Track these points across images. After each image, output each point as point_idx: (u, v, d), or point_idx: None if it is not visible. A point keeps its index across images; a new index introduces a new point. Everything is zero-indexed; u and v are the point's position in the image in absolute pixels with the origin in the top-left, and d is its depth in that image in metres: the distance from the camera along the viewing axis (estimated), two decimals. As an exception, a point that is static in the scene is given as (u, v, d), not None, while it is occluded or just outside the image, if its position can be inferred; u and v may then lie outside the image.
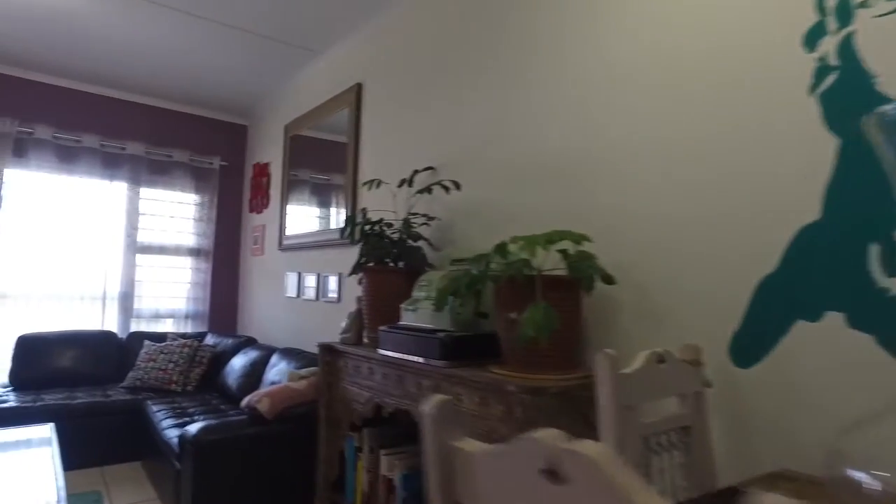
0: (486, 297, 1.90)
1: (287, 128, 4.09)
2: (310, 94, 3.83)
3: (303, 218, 3.93)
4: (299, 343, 3.50)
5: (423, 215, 2.48)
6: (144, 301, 4.47)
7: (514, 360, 1.65)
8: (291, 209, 4.00)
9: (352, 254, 3.17)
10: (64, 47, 3.69)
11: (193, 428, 2.40)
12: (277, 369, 3.15)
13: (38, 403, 3.26)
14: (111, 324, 4.29)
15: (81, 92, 4.30)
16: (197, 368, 3.83)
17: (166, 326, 4.53)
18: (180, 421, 2.96)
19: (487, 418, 1.65)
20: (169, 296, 4.58)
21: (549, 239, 1.50)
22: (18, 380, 3.66)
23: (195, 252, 4.68)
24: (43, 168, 4.09)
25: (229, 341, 4.05)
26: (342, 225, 3.27)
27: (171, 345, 3.89)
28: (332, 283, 3.34)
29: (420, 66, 2.73)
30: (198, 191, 4.72)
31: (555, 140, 1.98)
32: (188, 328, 4.56)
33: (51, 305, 4.13)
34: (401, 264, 2.37)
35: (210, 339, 4.15)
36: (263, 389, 2.50)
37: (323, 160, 3.76)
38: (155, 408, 3.27)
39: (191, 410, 3.19)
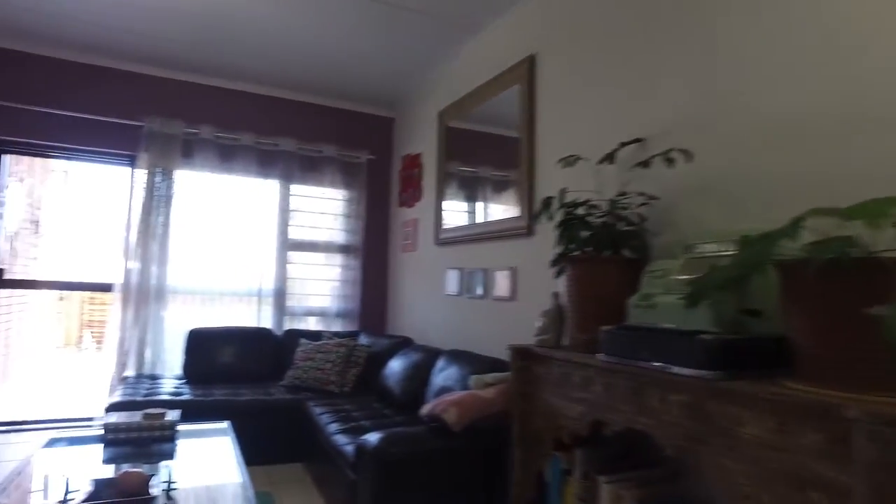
0: (755, 291, 1.45)
1: (441, 114, 3.85)
2: (467, 74, 3.54)
3: (454, 211, 3.67)
4: (464, 345, 3.21)
5: (641, 194, 2.06)
6: (296, 298, 4.44)
7: (841, 373, 1.18)
8: (447, 202, 3.74)
9: (530, 245, 2.82)
10: (222, 48, 3.72)
11: (374, 438, 2.17)
12: (446, 374, 2.88)
13: (210, 398, 3.25)
14: (266, 321, 4.29)
15: (238, 91, 4.36)
16: (353, 369, 3.68)
17: (315, 324, 4.47)
18: (347, 426, 2.77)
19: (790, 451, 1.21)
20: (319, 293, 4.53)
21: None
22: (191, 373, 3.72)
23: (345, 249, 4.60)
24: (206, 167, 4.17)
25: (385, 342, 3.88)
26: (512, 214, 2.94)
27: (328, 343, 3.78)
28: (503, 278, 3.02)
29: (608, 24, 2.33)
30: (346, 186, 4.63)
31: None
32: (337, 327, 4.47)
33: (213, 301, 4.21)
34: (609, 252, 1.97)
35: (364, 339, 4.01)
36: (448, 397, 2.22)
37: (474, 151, 3.47)
38: (317, 409, 3.13)
39: (355, 415, 3.00)
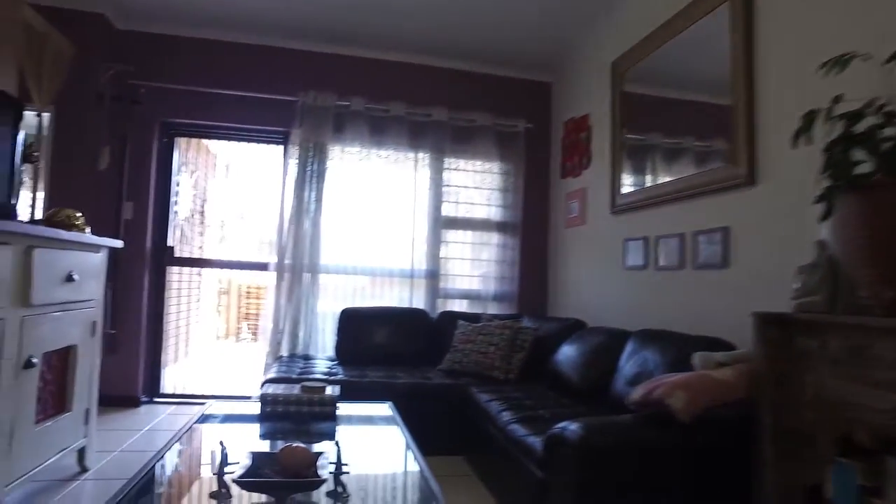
0: None
1: (616, 64, 3.30)
2: (644, 14, 2.96)
3: (633, 174, 3.11)
4: (657, 324, 2.64)
5: None
6: (450, 280, 4.12)
7: None
8: (626, 162, 3.19)
9: (751, 198, 2.21)
10: (373, 17, 3.51)
11: (573, 426, 1.70)
12: (642, 358, 2.35)
13: (365, 380, 3.00)
14: (418, 303, 4.02)
15: (389, 62, 4.14)
16: (518, 354, 3.25)
17: (469, 308, 4.11)
18: (522, 415, 2.34)
19: None
20: (474, 274, 4.17)
21: None
22: (343, 354, 3.53)
23: (501, 226, 4.20)
24: (356, 141, 4.00)
25: (552, 325, 3.41)
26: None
27: (489, 326, 3.39)
28: (709, 243, 2.41)
29: None
30: (502, 158, 4.23)
31: None
32: (493, 310, 4.07)
33: (366, 281, 4.02)
34: None
35: (527, 322, 3.56)
36: (670, 378, 1.69)
37: (660, 97, 2.90)
38: (484, 396, 2.74)
39: (528, 403, 2.56)
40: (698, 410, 1.62)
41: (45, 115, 3.42)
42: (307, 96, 3.89)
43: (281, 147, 4.06)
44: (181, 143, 4.26)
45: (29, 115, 3.13)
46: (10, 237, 1.84)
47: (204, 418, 2.00)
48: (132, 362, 3.70)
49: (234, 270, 5.34)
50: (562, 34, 3.73)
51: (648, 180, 3.00)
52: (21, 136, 2.28)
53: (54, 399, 2.24)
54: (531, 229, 4.25)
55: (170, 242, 4.02)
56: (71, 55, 3.38)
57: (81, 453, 2.48)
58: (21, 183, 2.40)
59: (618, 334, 2.70)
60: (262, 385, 2.83)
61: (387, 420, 2.13)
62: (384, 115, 4.02)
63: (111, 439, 2.99)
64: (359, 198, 4.01)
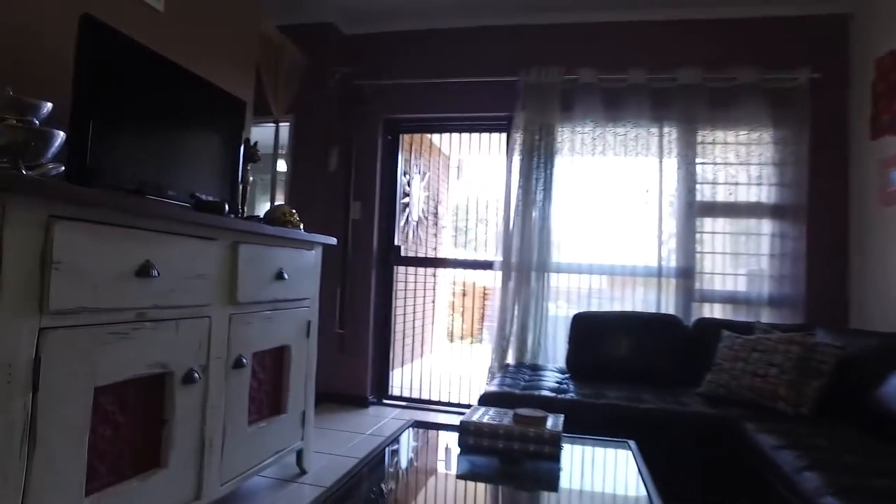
0: None
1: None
2: None
3: None
4: None
5: None
6: (709, 280, 3.30)
7: None
8: None
9: None
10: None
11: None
12: None
13: (601, 401, 2.42)
14: (668, 306, 3.28)
15: (622, 23, 3.50)
16: (814, 380, 2.34)
17: (732, 314, 3.22)
18: (839, 482, 1.53)
19: None
20: (740, 272, 3.28)
21: None
22: (576, 366, 3.00)
23: (778, 211, 3.22)
24: (588, 119, 3.44)
25: (866, 342, 2.41)
26: None
27: (767, 340, 2.53)
28: None
29: None
30: (776, 123, 3.25)
31: None
32: (768, 317, 3.11)
33: (603, 281, 3.44)
34: None
35: (823, 337, 2.59)
36: None
37: None
38: (766, 440, 1.96)
39: (849, 461, 1.72)
40: None
41: (283, 124, 3.61)
42: (529, 74, 3.47)
43: (505, 134, 3.71)
44: (406, 140, 4.22)
45: (259, 125, 3.29)
46: (215, 232, 1.76)
47: (408, 430, 1.69)
48: (360, 362, 3.72)
49: (465, 270, 5.17)
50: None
51: None
52: (242, 138, 2.29)
53: (268, 401, 2.17)
54: (821, 212, 3.18)
55: (397, 242, 3.97)
56: (305, 65, 3.51)
57: (300, 455, 2.41)
58: (248, 182, 2.43)
59: None
60: (479, 402, 2.48)
61: (626, 465, 1.55)
62: (620, 85, 3.39)
63: (336, 441, 2.94)
64: (593, 184, 3.45)
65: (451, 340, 6.87)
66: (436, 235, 6.19)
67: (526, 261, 3.44)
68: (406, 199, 5.09)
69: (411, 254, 5.14)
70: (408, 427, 1.71)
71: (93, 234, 1.33)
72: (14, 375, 1.17)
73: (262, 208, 3.20)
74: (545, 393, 2.52)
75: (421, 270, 5.07)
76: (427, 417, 3.49)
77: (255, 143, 2.44)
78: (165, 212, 1.51)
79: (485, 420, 1.58)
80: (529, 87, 3.47)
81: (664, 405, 2.40)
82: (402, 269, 4.22)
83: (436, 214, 6.15)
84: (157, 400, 1.60)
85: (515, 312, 3.44)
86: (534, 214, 3.45)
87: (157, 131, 1.88)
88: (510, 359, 3.39)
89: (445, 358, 5.47)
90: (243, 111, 2.29)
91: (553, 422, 1.59)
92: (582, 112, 3.43)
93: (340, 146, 3.71)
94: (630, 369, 2.86)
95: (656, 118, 3.37)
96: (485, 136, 3.99)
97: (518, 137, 3.50)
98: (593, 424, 2.31)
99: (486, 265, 3.69)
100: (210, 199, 1.90)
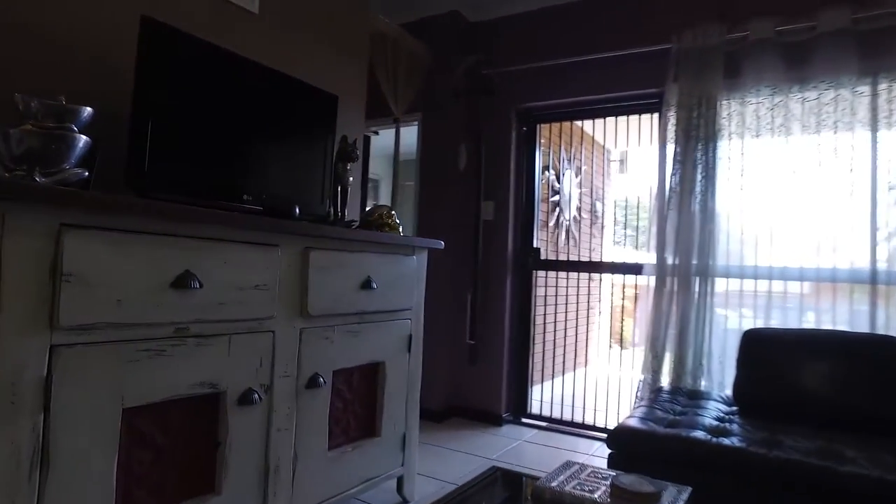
0: None
1: None
2: None
3: None
4: None
5: None
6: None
7: None
8: None
9: None
10: None
11: None
12: None
13: (775, 454, 1.80)
14: (887, 324, 2.44)
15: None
16: None
17: None
18: None
19: None
20: None
21: None
22: (746, 398, 2.36)
23: None
24: (762, 84, 2.73)
25: None
26: None
27: None
28: None
29: None
30: None
31: None
32: None
33: (789, 288, 2.70)
34: None
35: None
36: None
37: None
38: None
39: None
40: None
41: (411, 126, 3.46)
42: (683, 38, 2.87)
43: (655, 115, 3.14)
44: (550, 132, 3.82)
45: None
46: (275, 237, 1.60)
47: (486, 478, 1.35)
48: (494, 376, 3.40)
49: (614, 275, 4.57)
50: None
51: None
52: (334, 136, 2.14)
53: (358, 423, 1.97)
54: None
55: (536, 243, 3.59)
56: (428, 59, 3.32)
57: (400, 482, 2.18)
58: (347, 182, 2.27)
59: None
60: (609, 439, 2.02)
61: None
62: (808, 35, 2.63)
63: (453, 463, 2.67)
64: (770, 167, 2.73)
65: (617, 348, 6.22)
66: (595, 236, 5.64)
67: (684, 263, 2.84)
68: (556, 198, 4.67)
69: (562, 257, 4.70)
70: (485, 477, 1.36)
71: (115, 244, 1.23)
72: (19, 396, 1.09)
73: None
74: (697, 434, 1.96)
75: (573, 274, 4.60)
76: (566, 444, 3.06)
77: (355, 141, 2.27)
78: (203, 217, 1.38)
79: (569, 488, 1.17)
80: (684, 53, 2.86)
81: (881, 472, 1.69)
82: (551, 273, 3.82)
83: (595, 213, 5.59)
84: (210, 422, 1.47)
85: (672, 324, 2.85)
86: (693, 207, 2.83)
87: (231, 133, 1.79)
88: (664, 380, 2.82)
89: (605, 371, 4.90)
90: (334, 107, 2.14)
91: (670, 499, 1.12)
92: (754, 76, 2.72)
93: (470, 143, 3.45)
94: (823, 409, 2.15)
95: (865, 70, 2.54)
96: (633, 119, 3.42)
97: (671, 116, 2.91)
98: (762, 488, 1.73)
99: (635, 269, 3.14)
100: (278, 202, 1.76)
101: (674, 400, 2.44)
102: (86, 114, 1.34)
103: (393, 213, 2.22)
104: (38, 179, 1.17)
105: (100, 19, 1.72)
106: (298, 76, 2.03)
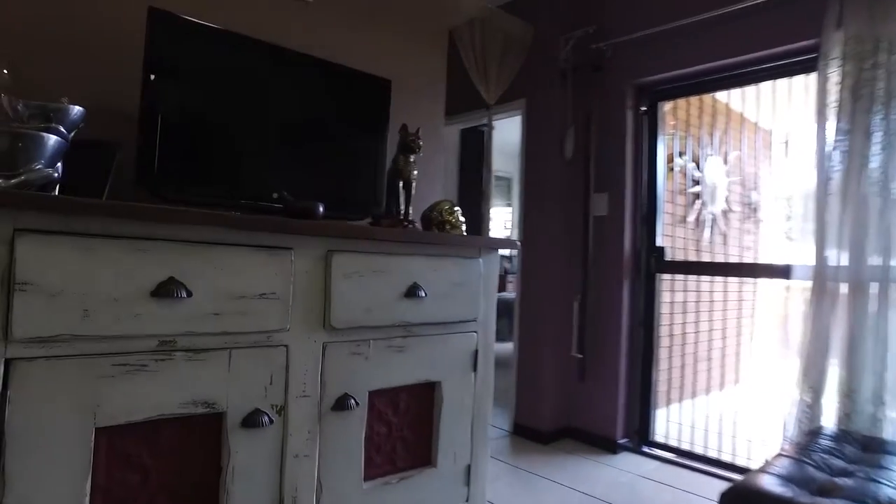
0: None
1: None
2: None
3: None
4: None
5: None
6: None
7: None
8: None
9: None
10: None
11: None
12: None
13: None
14: None
15: None
16: None
17: None
18: None
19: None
20: None
21: None
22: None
23: None
24: None
25: None
26: None
27: None
28: None
29: None
30: None
31: None
32: None
33: None
34: None
35: None
36: None
37: None
38: None
39: None
40: None
41: (511, 117, 3.14)
42: (850, -31, 2.20)
43: (810, 76, 2.47)
44: (679, 109, 3.25)
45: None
46: (284, 239, 1.41)
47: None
48: (608, 395, 2.95)
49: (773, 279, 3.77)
50: None
51: None
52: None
53: (406, 451, 1.73)
54: None
55: (660, 242, 3.05)
56: (527, 38, 2.98)
57: (464, 522, 1.89)
58: (410, 176, 2.04)
59: None
60: (721, 498, 1.54)
61: None
62: None
63: (550, 499, 2.30)
64: None
65: (773, 368, 5.23)
66: (751, 233, 4.78)
67: (856, 264, 2.17)
68: (696, 189, 4.02)
69: (705, 257, 4.02)
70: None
71: (80, 249, 1.11)
72: (-30, 413, 1.02)
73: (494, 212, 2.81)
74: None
75: (720, 278, 3.92)
76: (693, 485, 2.52)
77: (417, 130, 2.03)
78: (185, 217, 1.22)
79: None
80: (852, -11, 2.19)
81: None
82: (690, 277, 3.26)
83: (750, 205, 4.75)
84: (211, 446, 1.33)
85: (837, 345, 2.20)
86: (866, 190, 2.15)
87: (256, 126, 1.65)
88: (823, 417, 2.18)
89: (755, 395, 4.11)
90: (385, 93, 1.92)
91: None
92: None
93: (578, 128, 3.04)
94: None
95: None
96: (781, 84, 2.75)
97: (833, 73, 2.25)
98: None
99: (782, 272, 2.49)
100: (298, 199, 1.57)
101: (837, 450, 1.84)
102: (74, 113, 1.26)
103: (456, 209, 1.95)
104: (-2, 181, 1.09)
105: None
106: (357, 63, 1.85)
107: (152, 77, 1.43)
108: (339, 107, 1.84)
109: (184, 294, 1.22)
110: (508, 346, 3.28)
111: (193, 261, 1.25)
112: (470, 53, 2.74)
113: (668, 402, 3.20)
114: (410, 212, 2.08)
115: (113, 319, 1.15)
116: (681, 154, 3.59)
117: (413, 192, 2.07)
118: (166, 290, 1.20)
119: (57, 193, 1.28)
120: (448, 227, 1.90)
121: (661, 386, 3.12)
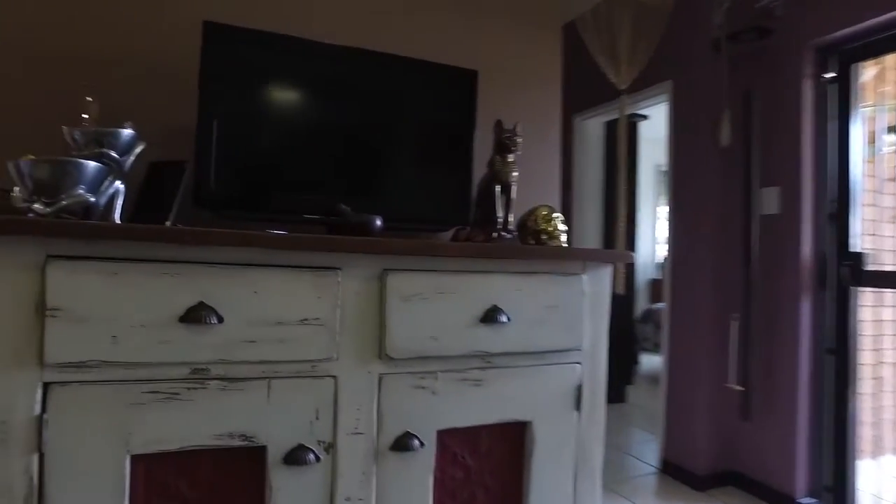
0: None
1: None
2: None
3: None
4: None
5: None
6: None
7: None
8: None
9: None
10: None
11: None
12: None
13: None
14: None
15: None
16: None
17: None
18: None
19: None
20: None
21: None
22: None
23: None
24: None
25: None
26: None
27: None
28: None
29: None
30: None
31: None
32: None
33: None
34: None
35: None
36: None
37: None
38: None
39: None
40: None
41: (656, 104, 2.72)
42: None
43: None
44: (869, 71, 2.51)
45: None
46: (337, 258, 1.28)
47: None
48: (782, 437, 2.36)
49: None
50: None
51: None
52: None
53: (490, 499, 1.49)
54: None
55: (856, 248, 2.39)
56: (669, 4, 2.54)
57: (567, 590, 1.58)
58: (509, 178, 1.81)
59: None
60: None
61: None
62: None
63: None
64: None
65: None
66: None
67: None
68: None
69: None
70: None
71: (107, 274, 1.09)
72: (9, 434, 1.04)
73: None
74: None
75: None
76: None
77: (515, 126, 1.79)
78: (211, 238, 1.14)
79: None
80: None
81: None
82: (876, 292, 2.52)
83: None
84: (253, 481, 1.24)
85: None
86: None
87: (317, 135, 1.55)
88: None
89: None
90: (471, 86, 1.70)
91: None
92: None
93: (736, 109, 2.50)
94: None
95: None
96: None
97: None
98: None
99: None
100: (350, 213, 1.43)
101: None
102: (125, 135, 1.26)
103: (556, 215, 1.66)
104: (38, 209, 1.11)
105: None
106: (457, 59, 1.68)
107: (206, 92, 1.40)
108: (415, 106, 1.67)
109: (214, 320, 1.15)
110: (656, 360, 2.82)
111: (224, 284, 1.17)
112: (594, 37, 2.39)
113: (878, 453, 2.48)
114: (511, 220, 1.84)
115: (141, 346, 1.11)
116: (891, 130, 2.79)
117: (513, 196, 1.83)
118: (196, 315, 1.14)
119: (118, 217, 1.30)
120: (545, 237, 1.62)
121: (864, 430, 2.43)
